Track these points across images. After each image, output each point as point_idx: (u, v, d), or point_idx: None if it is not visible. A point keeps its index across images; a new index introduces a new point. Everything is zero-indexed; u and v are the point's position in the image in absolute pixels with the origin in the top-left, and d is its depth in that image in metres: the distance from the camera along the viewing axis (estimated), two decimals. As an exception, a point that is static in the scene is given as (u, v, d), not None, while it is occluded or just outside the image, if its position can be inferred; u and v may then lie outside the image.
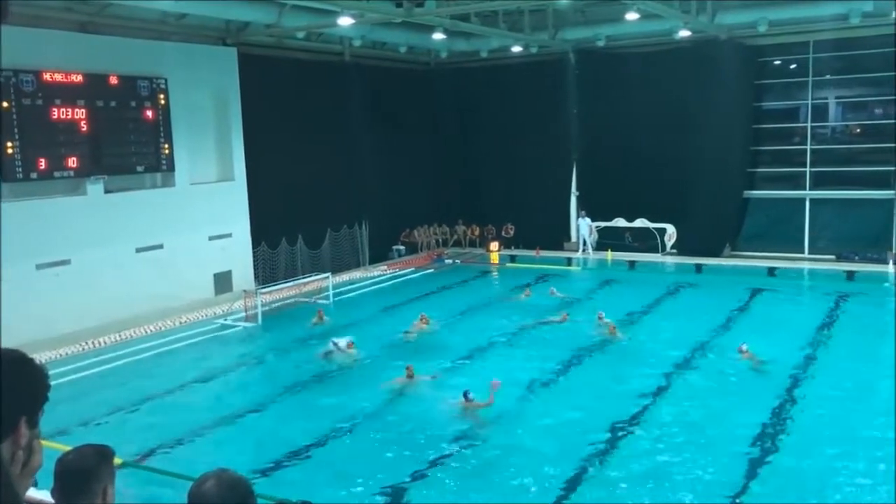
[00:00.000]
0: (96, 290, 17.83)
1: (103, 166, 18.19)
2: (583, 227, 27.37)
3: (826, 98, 25.95)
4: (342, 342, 16.41)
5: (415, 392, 13.90)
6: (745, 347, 15.13)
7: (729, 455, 10.89)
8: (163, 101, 19.35)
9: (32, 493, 2.38)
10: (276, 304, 20.76)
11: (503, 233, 29.10)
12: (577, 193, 28.34)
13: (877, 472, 10.22)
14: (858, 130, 26.23)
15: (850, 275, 22.96)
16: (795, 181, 25.81)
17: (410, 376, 14.10)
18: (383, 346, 16.94)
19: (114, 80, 18.25)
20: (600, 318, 17.85)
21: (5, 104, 16.01)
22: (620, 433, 11.81)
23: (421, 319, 18.39)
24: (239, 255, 21.83)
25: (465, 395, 12.77)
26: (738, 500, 9.61)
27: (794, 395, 13.35)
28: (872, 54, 23.99)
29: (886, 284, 22.08)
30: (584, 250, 27.29)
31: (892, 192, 24.02)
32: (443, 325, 18.46)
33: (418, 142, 28.17)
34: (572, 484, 10.17)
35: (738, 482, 10.03)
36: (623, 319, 18.17)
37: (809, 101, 25.43)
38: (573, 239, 28.18)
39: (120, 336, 17.88)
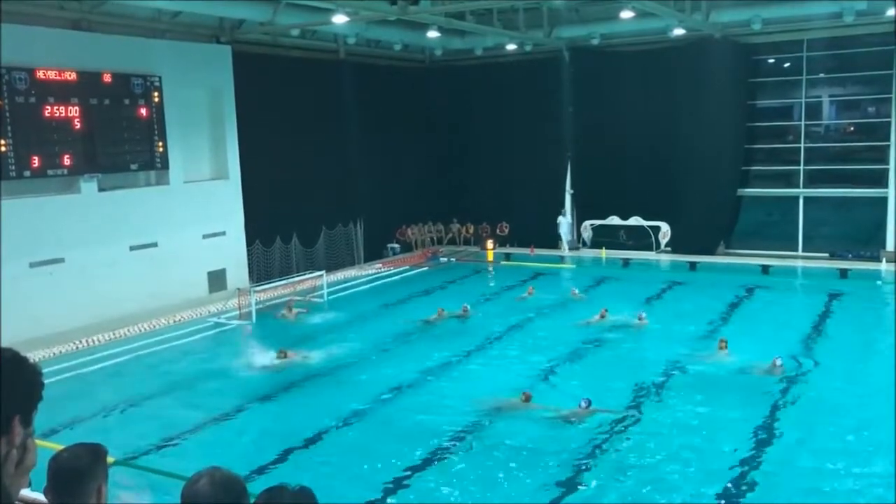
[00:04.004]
0: (90, 288, 17.79)
1: (97, 164, 18.14)
2: (563, 226, 27.41)
3: (820, 96, 26.04)
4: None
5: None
6: (724, 344, 15.30)
7: (724, 453, 10.91)
8: (157, 99, 19.29)
9: (26, 492, 2.38)
10: (271, 303, 20.73)
11: (498, 231, 29.09)
12: (572, 192, 28.36)
13: (875, 470, 10.21)
14: (852, 129, 26.33)
15: (844, 273, 23.00)
16: (789, 179, 25.88)
17: (527, 400, 12.98)
18: (378, 345, 16.95)
19: (107, 78, 18.18)
20: (640, 319, 17.84)
21: (-2, 102, 15.97)
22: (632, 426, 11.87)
23: (439, 313, 18.67)
24: (233, 253, 21.79)
25: (588, 402, 12.33)
26: (736, 500, 9.62)
27: (788, 392, 13.36)
28: (866, 53, 24.10)
29: (879, 282, 22.15)
30: (566, 248, 27.32)
31: (886, 190, 24.09)
32: (454, 323, 18.58)
33: (413, 140, 28.15)
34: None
35: (732, 482, 10.03)
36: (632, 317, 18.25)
37: (803, 100, 25.49)
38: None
39: (114, 334, 17.83)
